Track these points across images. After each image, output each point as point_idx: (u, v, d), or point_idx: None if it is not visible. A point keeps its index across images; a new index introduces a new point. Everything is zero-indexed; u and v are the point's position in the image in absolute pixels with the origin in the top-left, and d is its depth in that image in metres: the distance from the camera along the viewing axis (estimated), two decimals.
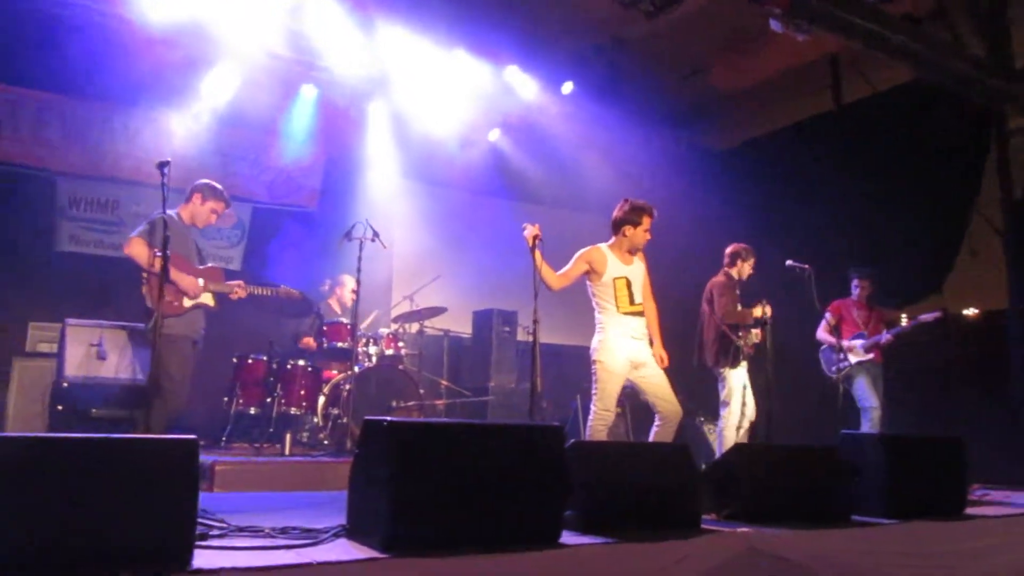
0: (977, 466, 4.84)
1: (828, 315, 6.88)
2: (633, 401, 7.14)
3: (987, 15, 6.61)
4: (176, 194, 5.23)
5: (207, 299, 5.22)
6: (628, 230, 5.06)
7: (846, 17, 5.40)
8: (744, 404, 6.12)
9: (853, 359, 6.74)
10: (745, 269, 6.37)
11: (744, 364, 6.14)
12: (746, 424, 6.14)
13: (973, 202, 7.48)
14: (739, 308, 6.18)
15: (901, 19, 5.84)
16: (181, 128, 7.68)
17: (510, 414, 7.82)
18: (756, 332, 6.10)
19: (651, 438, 4.95)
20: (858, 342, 6.90)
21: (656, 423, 4.95)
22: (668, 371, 5.10)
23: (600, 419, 4.87)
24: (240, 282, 5.50)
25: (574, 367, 7.11)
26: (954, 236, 7.57)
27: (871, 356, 6.84)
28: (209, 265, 5.44)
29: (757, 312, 6.06)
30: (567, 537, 2.95)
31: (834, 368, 6.90)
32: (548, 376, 7.24)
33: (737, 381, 6.12)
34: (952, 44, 6.17)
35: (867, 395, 6.79)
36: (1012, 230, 7.04)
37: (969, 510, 4.38)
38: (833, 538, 3.52)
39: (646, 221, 5.06)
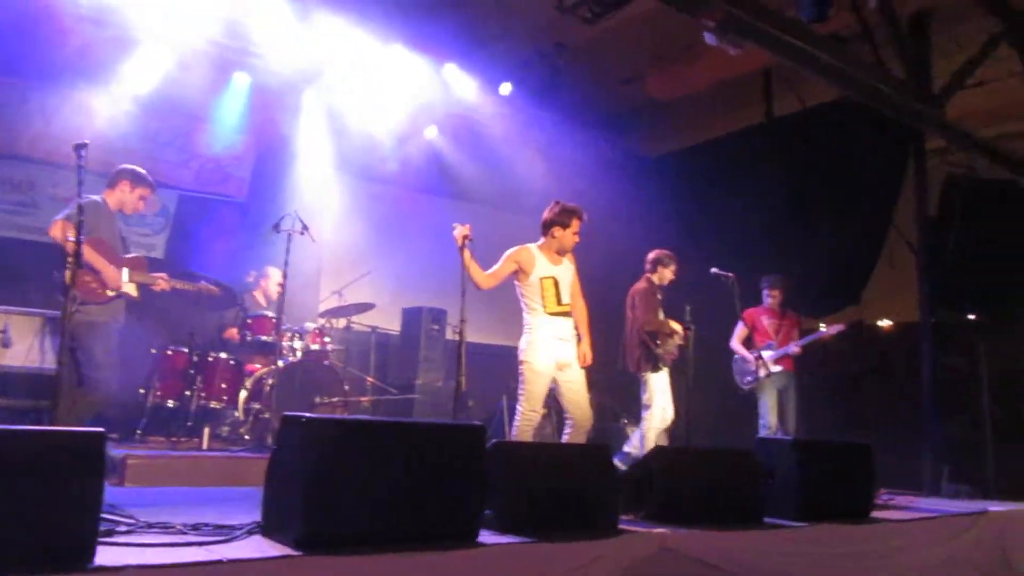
0: (885, 472, 5.04)
1: (740, 324, 7.06)
2: (558, 403, 7.21)
3: (908, 39, 6.85)
4: (96, 177, 5.07)
5: (130, 289, 5.08)
6: (557, 231, 5.09)
7: (776, 34, 5.52)
8: (663, 408, 6.25)
9: (762, 372, 6.89)
10: (666, 275, 6.51)
11: (665, 369, 6.27)
12: (663, 427, 6.28)
13: (891, 217, 7.76)
14: (660, 316, 6.32)
15: (828, 39, 6.02)
16: (104, 110, 7.41)
17: (436, 412, 7.80)
18: (677, 339, 6.24)
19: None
20: (767, 353, 7.08)
21: (567, 429, 5.00)
22: (592, 372, 5.15)
23: (526, 420, 4.89)
24: (164, 275, 5.40)
25: (502, 367, 7.12)
26: (872, 249, 7.83)
27: (780, 368, 7.02)
28: (133, 255, 5.29)
29: (676, 326, 6.23)
30: (485, 536, 2.96)
31: (746, 379, 7.09)
32: (475, 375, 7.22)
33: (658, 385, 6.26)
34: (875, 65, 6.38)
35: (766, 412, 6.97)
36: (925, 246, 7.32)
37: (875, 514, 4.56)
38: (745, 539, 3.62)
39: (575, 223, 5.11)
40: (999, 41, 6.92)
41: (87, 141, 4.40)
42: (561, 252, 5.15)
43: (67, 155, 5.23)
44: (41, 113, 7.32)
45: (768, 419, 6.96)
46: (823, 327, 7.05)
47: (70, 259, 4.57)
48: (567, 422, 5.01)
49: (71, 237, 4.21)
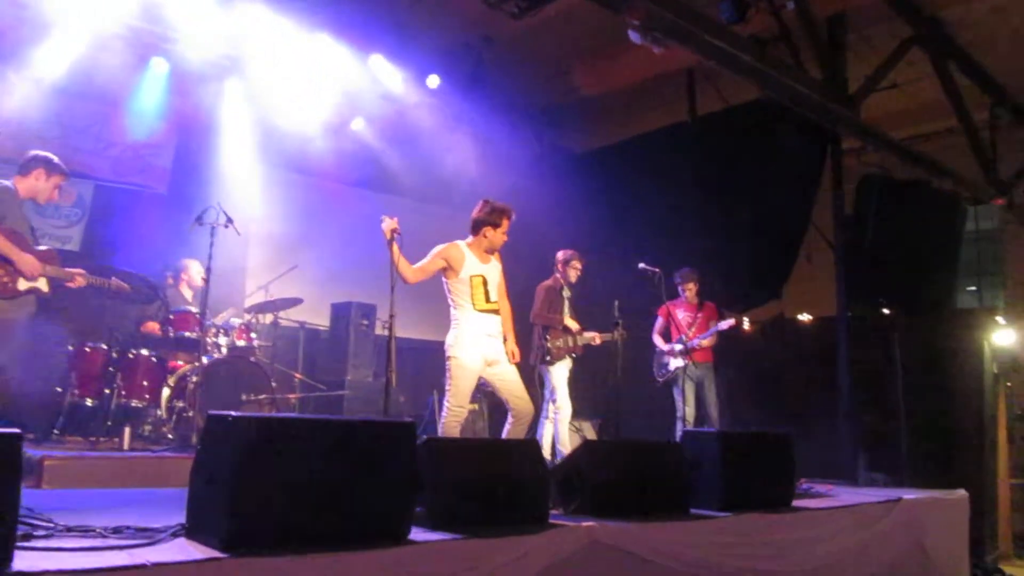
0: (805, 461, 5.21)
1: (658, 318, 7.27)
2: (491, 399, 7.27)
3: (825, 42, 7.08)
4: (5, 165, 4.87)
5: (42, 284, 4.84)
6: (488, 231, 5.13)
7: (698, 34, 5.64)
8: (565, 399, 6.54)
9: (672, 364, 7.14)
10: (571, 273, 6.73)
11: (565, 363, 6.44)
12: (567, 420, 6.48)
13: (810, 214, 8.01)
14: (566, 312, 6.65)
15: (748, 40, 6.17)
16: (16, 95, 7.11)
17: (366, 408, 7.74)
18: (571, 337, 6.44)
19: (504, 435, 5.04)
20: (679, 347, 7.30)
21: (509, 420, 5.04)
22: (522, 368, 5.20)
23: (453, 415, 4.90)
24: (81, 270, 5.16)
25: (432, 362, 7.10)
26: (792, 245, 8.07)
27: (685, 361, 7.23)
28: (44, 247, 5.06)
29: (572, 324, 6.57)
30: (416, 534, 2.95)
31: (660, 372, 7.32)
32: (406, 371, 7.22)
33: (558, 379, 6.54)
34: (793, 67, 6.57)
35: (681, 404, 7.26)
36: (842, 243, 7.58)
37: (796, 502, 4.71)
38: (672, 530, 3.70)
39: (505, 223, 5.15)
40: (910, 45, 7.21)
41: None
42: (490, 251, 5.19)
43: None
44: None
45: (683, 411, 7.18)
46: (746, 320, 7.26)
47: None
48: (509, 414, 5.05)
49: None
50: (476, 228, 5.16)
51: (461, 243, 5.15)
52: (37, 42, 6.92)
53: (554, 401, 6.53)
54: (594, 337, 6.69)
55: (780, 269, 8.10)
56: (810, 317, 7.63)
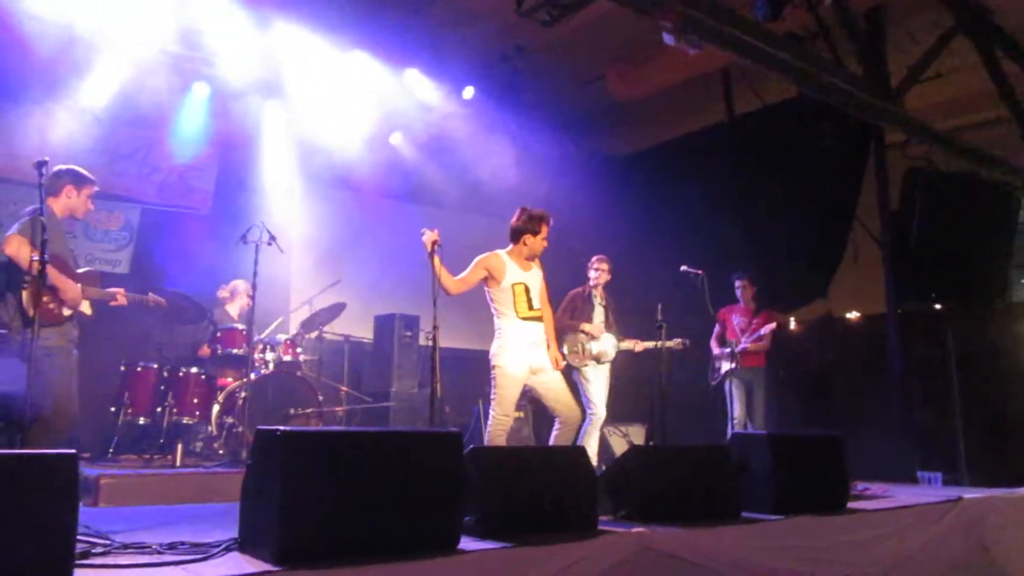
0: (859, 462, 5.10)
1: (717, 324, 7.21)
2: (535, 406, 7.25)
3: (864, 35, 6.97)
4: None
5: (85, 307, 4.87)
6: (528, 239, 5.13)
7: (733, 33, 5.58)
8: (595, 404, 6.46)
9: (724, 368, 7.14)
10: (591, 275, 6.66)
11: (592, 369, 6.43)
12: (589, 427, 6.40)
13: (854, 211, 7.88)
14: (598, 318, 6.58)
15: (785, 37, 6.09)
16: (63, 124, 7.29)
17: (412, 419, 7.77)
18: (585, 340, 6.43)
19: (551, 442, 5.02)
20: (726, 351, 7.30)
21: (556, 427, 5.02)
22: (565, 374, 5.19)
23: (499, 424, 4.90)
24: (121, 289, 5.16)
25: (476, 372, 7.12)
26: (837, 243, 7.95)
27: (734, 365, 7.17)
28: (85, 269, 5.11)
29: (587, 327, 6.51)
30: (466, 543, 2.95)
31: (712, 376, 7.31)
32: (450, 381, 7.24)
33: (586, 384, 6.47)
34: (832, 62, 6.47)
35: (732, 404, 7.19)
36: (889, 238, 7.44)
37: (851, 504, 4.61)
38: (723, 535, 3.65)
39: (544, 229, 5.15)
40: (953, 34, 7.05)
41: (47, 158, 4.29)
42: (531, 258, 5.18)
43: (25, 172, 5.09)
44: (1, 130, 7.18)
45: (734, 411, 7.14)
46: (792, 321, 7.17)
47: (28, 279, 4.30)
48: (555, 421, 5.03)
49: (35, 256, 4.03)
50: (516, 236, 5.17)
51: (501, 252, 5.16)
52: (82, 73, 7.11)
53: (588, 405, 6.46)
54: (634, 344, 6.62)
55: (825, 267, 7.98)
56: (858, 315, 7.49)
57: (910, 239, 7.46)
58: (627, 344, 6.62)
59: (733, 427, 7.12)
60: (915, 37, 7.37)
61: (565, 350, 6.38)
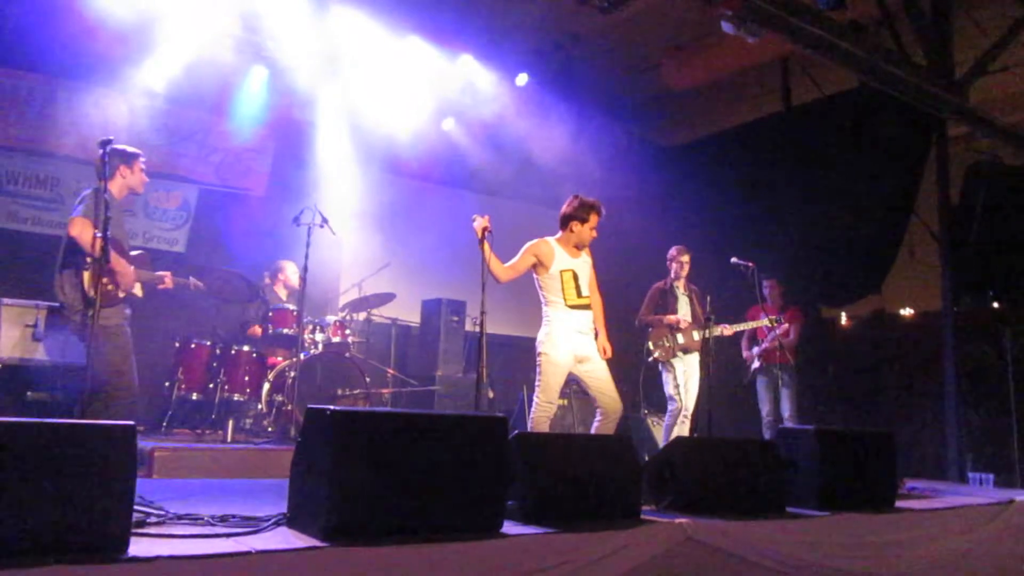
0: (909, 461, 5.02)
1: (749, 323, 7.14)
2: (579, 394, 7.26)
3: (930, 25, 6.79)
4: None
5: (137, 289, 5.01)
6: (576, 226, 5.10)
7: (795, 22, 5.50)
8: (672, 399, 6.42)
9: (754, 366, 7.14)
10: (672, 268, 6.60)
11: (679, 361, 6.37)
12: (681, 417, 6.34)
13: (912, 206, 7.70)
14: (682, 310, 6.50)
15: (847, 26, 5.97)
16: (126, 105, 7.48)
17: (457, 404, 7.83)
18: (675, 334, 6.31)
19: (592, 433, 5.01)
20: (755, 349, 7.31)
21: (597, 418, 5.01)
22: (612, 364, 5.16)
23: (542, 411, 4.91)
24: (168, 273, 5.31)
25: (522, 358, 7.16)
26: (893, 238, 7.78)
27: (760, 363, 7.22)
28: (138, 252, 5.23)
29: (670, 318, 6.44)
30: (509, 527, 2.98)
31: (744, 373, 7.30)
32: (496, 367, 7.29)
33: (667, 377, 6.43)
34: (896, 52, 6.33)
35: (762, 401, 7.25)
36: (947, 234, 7.26)
37: (899, 503, 4.54)
38: (767, 528, 3.62)
39: (593, 219, 5.11)
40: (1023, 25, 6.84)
41: (111, 138, 4.41)
42: (579, 246, 5.16)
43: (91, 151, 5.21)
44: (67, 109, 7.38)
45: (764, 407, 7.23)
46: (844, 316, 7.05)
47: (89, 260, 4.39)
48: (597, 411, 5.03)
49: (98, 235, 4.14)
50: (564, 223, 5.16)
51: (551, 239, 5.16)
52: (145, 55, 7.28)
53: (669, 399, 6.44)
54: (722, 329, 6.54)
55: (880, 263, 7.82)
56: (912, 312, 7.33)
57: (970, 235, 7.27)
58: (716, 330, 6.46)
59: (765, 424, 7.16)
60: (982, 28, 7.15)
61: (650, 345, 6.40)
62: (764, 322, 6.75)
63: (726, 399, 7.16)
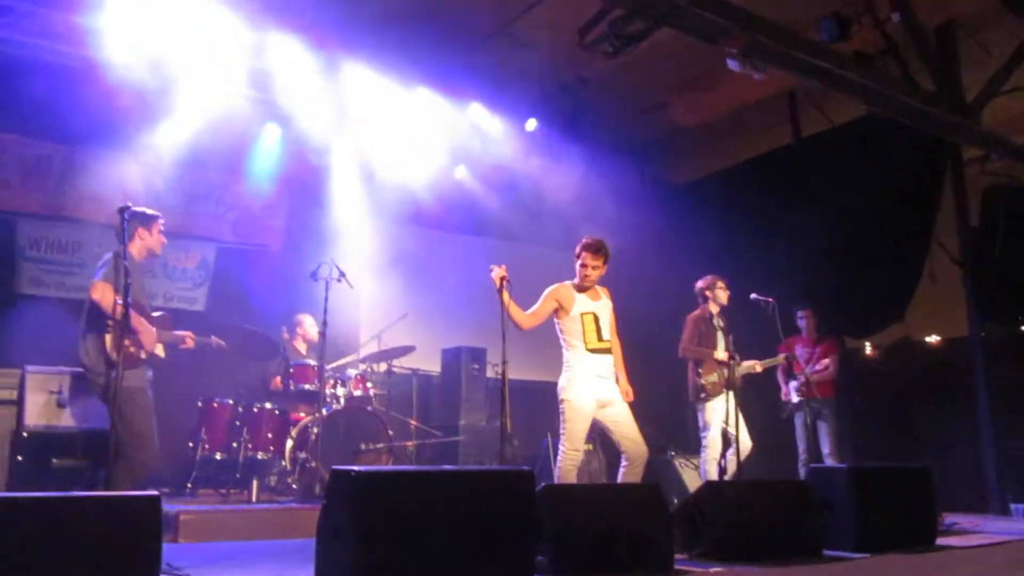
0: (945, 494, 4.89)
1: (782, 355, 6.98)
2: (604, 438, 7.14)
3: (936, 51, 6.80)
4: None
5: (159, 350, 5.06)
6: (577, 267, 5.11)
7: (799, 56, 5.52)
8: (726, 437, 6.04)
9: (793, 400, 6.93)
10: (720, 296, 6.40)
11: (721, 398, 6.07)
12: (732, 457, 6.06)
13: (930, 231, 7.64)
14: (720, 344, 6.21)
15: (852, 57, 5.98)
16: (143, 168, 7.58)
17: (481, 453, 7.76)
18: (725, 369, 6.14)
19: (619, 479, 4.92)
20: (792, 384, 7.08)
21: (623, 464, 4.93)
22: (635, 405, 5.10)
23: (569, 459, 4.85)
24: (190, 332, 5.35)
25: (543, 403, 7.09)
26: (913, 264, 7.70)
27: (799, 399, 6.99)
28: (159, 313, 5.27)
29: (720, 355, 6.15)
30: None
31: (781, 408, 7.12)
32: (518, 413, 7.20)
33: (711, 415, 6.14)
34: (903, 80, 6.33)
35: (799, 438, 7.00)
36: (969, 258, 7.18)
37: (940, 540, 4.42)
38: (806, 574, 3.52)
39: (585, 256, 5.07)
40: None
41: (129, 204, 4.47)
42: (581, 288, 5.12)
43: (111, 215, 5.25)
44: (86, 175, 7.49)
45: (801, 445, 6.98)
46: (868, 346, 6.95)
47: (111, 323, 4.49)
48: (622, 457, 4.94)
49: (119, 300, 4.19)
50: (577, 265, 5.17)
51: (569, 283, 5.16)
52: (160, 119, 7.40)
53: (705, 437, 6.17)
54: (753, 365, 6.35)
55: (902, 290, 7.73)
56: (938, 338, 7.22)
57: (992, 258, 7.19)
58: (747, 366, 6.32)
59: (800, 463, 6.91)
60: (990, 50, 7.15)
61: (703, 380, 6.12)
62: (780, 359, 6.57)
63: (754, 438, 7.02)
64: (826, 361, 6.89)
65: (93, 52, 6.44)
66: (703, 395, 6.16)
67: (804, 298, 7.32)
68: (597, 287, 5.20)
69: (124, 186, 7.27)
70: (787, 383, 7.17)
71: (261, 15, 6.61)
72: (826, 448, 6.88)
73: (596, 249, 5.08)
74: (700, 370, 6.18)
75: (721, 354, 6.15)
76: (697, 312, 6.43)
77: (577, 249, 5.14)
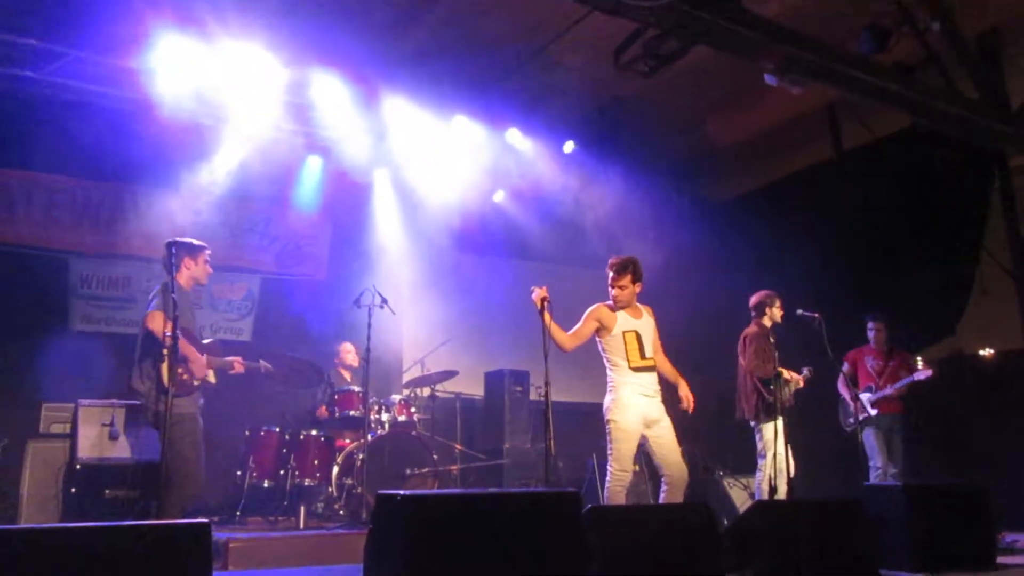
0: (1004, 511, 4.74)
1: (845, 366, 6.85)
2: (647, 459, 7.05)
3: (978, 60, 6.68)
4: None
5: (210, 376, 5.17)
6: (609, 288, 5.08)
7: (838, 69, 5.47)
8: (778, 458, 5.92)
9: (861, 415, 6.69)
10: (775, 314, 6.30)
11: (780, 418, 5.92)
12: (783, 479, 5.93)
13: (980, 242, 7.47)
14: (775, 361, 6.02)
15: (893, 68, 5.91)
16: (190, 202, 7.78)
17: (525, 476, 7.73)
18: (793, 385, 6.04)
19: (660, 502, 4.85)
20: (865, 396, 6.86)
21: (663, 488, 4.87)
22: (679, 424, 5.04)
23: (617, 480, 4.81)
24: (239, 358, 5.48)
25: (587, 424, 7.04)
26: (964, 277, 7.54)
27: (876, 411, 6.79)
28: (209, 340, 5.40)
29: (786, 374, 6.01)
30: None
31: (848, 421, 6.92)
32: (562, 435, 7.14)
33: (772, 434, 5.95)
34: (946, 89, 6.23)
35: (874, 452, 6.78)
36: (1021, 269, 7.00)
37: (1000, 559, 4.28)
38: None
39: (610, 275, 5.08)
40: None
41: (177, 239, 4.60)
42: (614, 308, 5.09)
43: (158, 250, 5.42)
44: (134, 212, 7.72)
45: (876, 459, 6.73)
46: (920, 361, 6.77)
47: (165, 351, 4.58)
48: (662, 480, 4.89)
49: (168, 332, 4.31)
50: None
51: (610, 302, 5.15)
52: (205, 156, 7.62)
53: (764, 458, 6.00)
54: (798, 381, 6.14)
55: (953, 303, 7.56)
56: (991, 352, 7.01)
57: None
58: (797, 377, 6.16)
59: (875, 477, 6.69)
60: None
61: (773, 398, 5.92)
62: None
63: (807, 453, 6.87)
64: (929, 372, 6.60)
65: (142, 94, 6.66)
66: (767, 414, 6.00)
67: (876, 310, 7.14)
68: (638, 305, 5.18)
69: (172, 221, 7.45)
70: (852, 396, 6.92)
71: (302, 53, 6.76)
72: (899, 463, 6.69)
73: (620, 268, 5.06)
74: (771, 387, 5.95)
75: (788, 373, 6.02)
76: (755, 328, 6.28)
77: (606, 270, 5.13)
